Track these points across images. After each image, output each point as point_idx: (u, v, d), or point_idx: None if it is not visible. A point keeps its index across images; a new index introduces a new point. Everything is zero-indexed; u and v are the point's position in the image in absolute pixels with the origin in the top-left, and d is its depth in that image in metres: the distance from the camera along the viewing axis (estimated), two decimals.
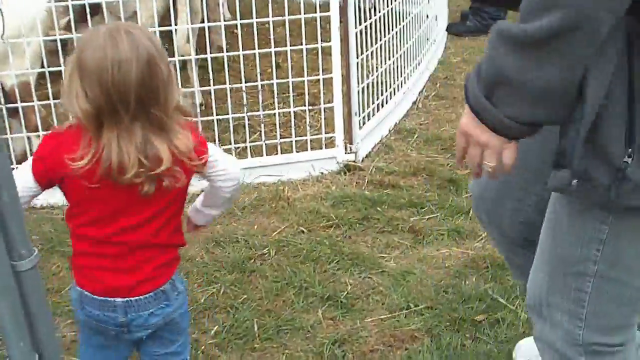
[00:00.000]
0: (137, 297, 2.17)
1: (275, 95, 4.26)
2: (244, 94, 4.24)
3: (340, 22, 4.09)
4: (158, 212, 2.15)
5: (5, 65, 3.90)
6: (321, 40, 4.15)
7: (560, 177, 1.61)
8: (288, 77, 4.18)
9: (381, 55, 4.67)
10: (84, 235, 2.16)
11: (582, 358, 1.85)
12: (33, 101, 3.94)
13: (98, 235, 2.14)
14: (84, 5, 3.96)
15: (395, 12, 4.82)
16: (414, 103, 5.17)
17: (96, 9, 4.20)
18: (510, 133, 1.58)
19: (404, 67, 5.03)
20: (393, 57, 4.80)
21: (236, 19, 4.08)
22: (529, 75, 1.48)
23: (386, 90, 4.75)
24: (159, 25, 4.54)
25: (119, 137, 2.00)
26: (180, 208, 2.22)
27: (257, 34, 4.08)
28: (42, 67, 3.97)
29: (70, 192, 2.13)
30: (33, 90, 3.95)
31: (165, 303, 2.21)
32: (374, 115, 4.58)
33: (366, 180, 4.17)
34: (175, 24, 4.36)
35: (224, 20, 4.99)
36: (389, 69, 4.78)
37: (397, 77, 4.91)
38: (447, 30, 6.42)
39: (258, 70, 4.16)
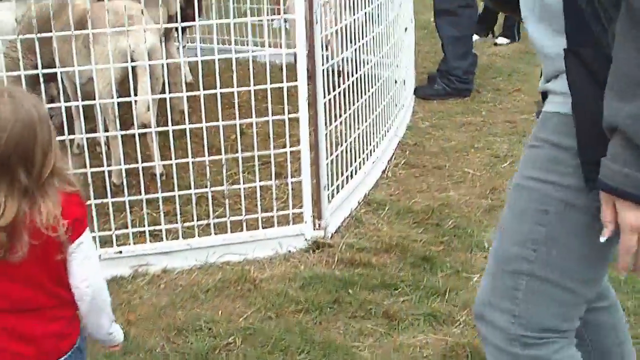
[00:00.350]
0: None
1: (240, 167, 4.04)
2: (207, 168, 4.01)
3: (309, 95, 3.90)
4: (34, 285, 2.15)
5: None
6: (288, 110, 3.97)
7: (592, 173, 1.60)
8: (253, 147, 3.99)
9: (350, 124, 4.50)
10: None
11: (516, 349, 1.92)
12: None
13: None
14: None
15: (364, 78, 4.66)
16: (384, 172, 5.00)
17: (50, 75, 4.01)
18: None
19: (373, 134, 4.86)
20: (362, 125, 4.63)
21: (198, 80, 3.91)
22: None
23: (355, 160, 4.57)
24: (117, 91, 4.37)
25: None
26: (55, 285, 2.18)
27: (221, 97, 3.89)
28: None
29: None
30: None
31: None
32: (342, 187, 4.40)
33: (336, 259, 3.95)
34: (135, 91, 4.14)
35: (186, 82, 4.81)
36: (358, 138, 4.61)
37: (367, 146, 4.74)
38: (414, 93, 6.30)
39: (222, 142, 3.95)
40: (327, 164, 4.13)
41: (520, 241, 1.85)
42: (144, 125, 4.21)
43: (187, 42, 7.21)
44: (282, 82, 3.93)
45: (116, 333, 2.39)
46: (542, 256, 1.81)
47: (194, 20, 6.47)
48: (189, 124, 3.94)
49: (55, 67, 3.93)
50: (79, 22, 4.34)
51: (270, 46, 3.94)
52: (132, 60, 4.23)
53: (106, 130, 4.88)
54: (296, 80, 3.90)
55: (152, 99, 4.21)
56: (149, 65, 4.19)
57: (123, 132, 4.05)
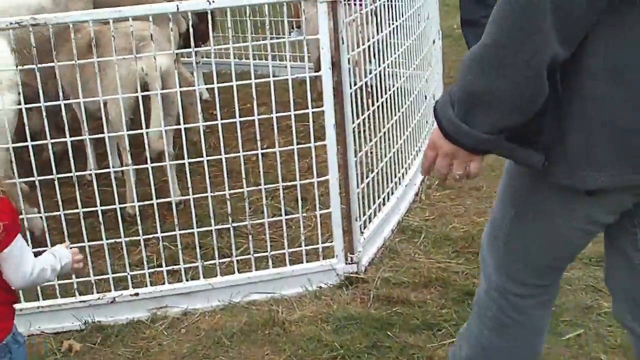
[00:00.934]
0: None
1: (264, 198, 3.73)
2: (228, 202, 3.70)
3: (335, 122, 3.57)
4: None
5: None
6: (314, 135, 3.65)
7: (530, 156, 1.82)
8: (277, 175, 3.68)
9: (380, 147, 4.18)
10: None
11: (500, 300, 2.27)
12: None
13: None
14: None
15: (394, 97, 4.34)
16: (417, 195, 4.66)
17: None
18: (486, 148, 1.78)
19: (405, 156, 4.54)
20: (394, 147, 4.31)
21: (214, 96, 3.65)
22: (493, 86, 1.67)
23: (387, 186, 4.24)
24: (131, 118, 4.09)
25: None
26: None
27: (239, 113, 3.56)
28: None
29: None
30: None
31: (9, 356, 2.33)
32: (375, 215, 4.07)
33: (372, 296, 3.63)
34: (147, 118, 3.83)
35: (201, 100, 4.51)
36: (389, 162, 4.28)
37: (398, 169, 4.42)
38: None
39: (243, 172, 3.64)
40: (358, 193, 3.80)
41: (503, 211, 2.17)
42: (158, 154, 3.92)
43: (202, 57, 6.91)
44: (304, 97, 3.62)
45: (61, 265, 2.52)
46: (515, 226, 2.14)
47: (207, 35, 6.26)
48: (207, 146, 3.68)
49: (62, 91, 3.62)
50: (89, 45, 4.08)
51: (289, 60, 3.59)
52: (145, 84, 3.95)
53: (119, 155, 4.63)
54: (321, 101, 3.58)
55: (165, 125, 3.91)
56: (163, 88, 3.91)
57: (136, 167, 3.76)
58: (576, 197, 1.90)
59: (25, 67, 3.36)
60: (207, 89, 6.15)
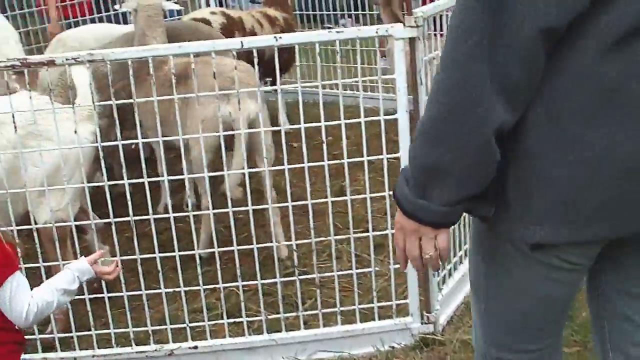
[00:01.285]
0: None
1: (333, 252, 3.44)
2: (295, 254, 3.44)
3: None
4: None
5: (41, 198, 3.39)
6: (388, 184, 3.35)
7: (480, 208, 1.74)
8: (348, 222, 3.40)
9: None
10: None
11: None
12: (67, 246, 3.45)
13: None
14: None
15: None
16: None
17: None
18: (447, 220, 1.71)
19: None
20: None
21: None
22: (443, 160, 1.62)
23: (468, 238, 3.88)
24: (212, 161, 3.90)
25: None
26: None
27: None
28: None
29: None
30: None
31: None
32: (455, 269, 3.73)
33: None
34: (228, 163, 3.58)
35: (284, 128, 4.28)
36: None
37: None
38: None
39: (312, 223, 3.37)
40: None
41: (475, 268, 1.98)
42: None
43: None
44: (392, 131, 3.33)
45: (83, 276, 2.54)
46: (490, 284, 1.93)
47: (289, 64, 6.03)
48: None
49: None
50: (179, 77, 3.92)
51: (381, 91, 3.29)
52: (230, 128, 3.72)
53: (196, 192, 4.42)
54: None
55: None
56: (250, 134, 3.68)
57: (215, 211, 3.51)
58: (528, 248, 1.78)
59: (103, 102, 3.30)
60: (290, 123, 5.92)
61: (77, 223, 3.48)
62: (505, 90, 1.55)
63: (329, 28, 6.89)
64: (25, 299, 2.39)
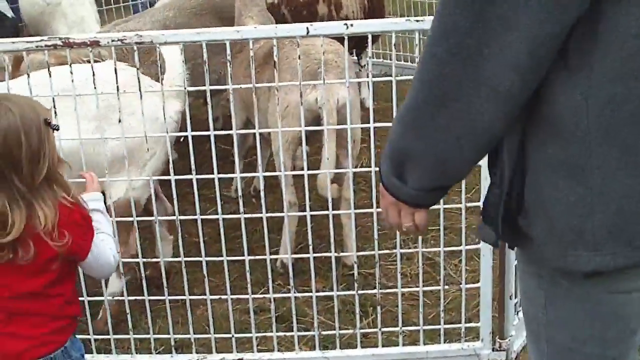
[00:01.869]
0: None
1: (399, 264, 3.08)
2: (355, 266, 3.08)
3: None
4: (33, 283, 2.24)
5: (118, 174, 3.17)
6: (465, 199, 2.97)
7: (487, 233, 1.69)
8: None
9: None
10: None
11: None
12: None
13: None
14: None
15: None
16: None
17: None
18: (421, 203, 1.70)
19: None
20: None
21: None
22: (412, 146, 1.62)
23: None
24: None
25: None
26: (63, 281, 2.29)
27: None
28: None
29: None
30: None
31: None
32: None
33: None
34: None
35: (362, 108, 3.93)
36: None
37: None
38: None
39: (376, 233, 3.01)
40: (516, 265, 3.08)
41: (531, 300, 1.77)
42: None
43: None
44: None
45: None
46: (551, 320, 1.71)
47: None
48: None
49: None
50: (265, 58, 3.61)
51: None
52: (316, 118, 3.39)
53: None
54: None
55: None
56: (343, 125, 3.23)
57: (270, 215, 3.15)
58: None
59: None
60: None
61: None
62: (495, 97, 1.49)
63: None
64: (107, 247, 2.38)
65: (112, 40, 2.78)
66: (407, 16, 5.98)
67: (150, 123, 3.03)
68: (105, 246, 2.37)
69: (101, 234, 2.40)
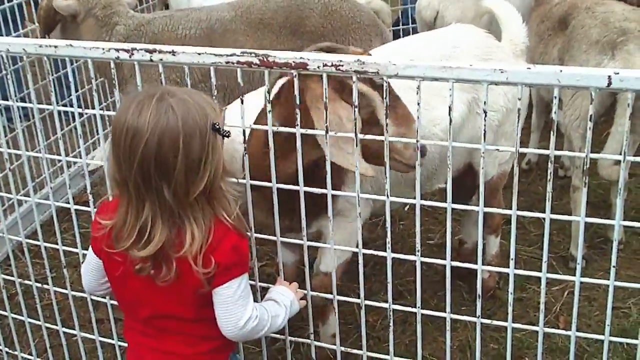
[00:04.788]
0: None
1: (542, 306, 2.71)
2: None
3: None
4: (179, 304, 2.12)
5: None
6: None
7: None
8: None
9: None
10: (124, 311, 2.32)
11: None
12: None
13: (131, 315, 2.25)
14: None
15: None
16: None
17: None
18: None
19: None
20: None
21: None
22: None
23: None
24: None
25: (128, 207, 1.99)
26: (211, 304, 2.13)
27: None
28: None
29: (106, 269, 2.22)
30: None
31: None
32: None
33: None
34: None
35: None
36: None
37: None
38: None
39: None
40: None
41: None
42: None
43: None
44: None
45: (292, 306, 2.34)
46: None
47: None
48: None
49: None
50: (560, 20, 3.40)
51: None
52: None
53: None
54: None
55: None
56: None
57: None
58: None
59: None
60: None
61: None
62: None
63: None
64: (249, 306, 2.16)
65: (324, 65, 2.17)
66: None
67: None
68: (248, 302, 2.16)
69: (259, 305, 2.25)
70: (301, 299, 2.47)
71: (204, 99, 2.06)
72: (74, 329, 3.13)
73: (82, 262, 2.43)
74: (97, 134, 4.94)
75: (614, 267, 2.26)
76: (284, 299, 2.33)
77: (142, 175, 1.91)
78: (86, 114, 2.80)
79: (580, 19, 3.16)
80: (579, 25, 3.19)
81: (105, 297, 2.79)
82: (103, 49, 2.41)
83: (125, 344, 2.42)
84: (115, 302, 2.65)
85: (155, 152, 1.89)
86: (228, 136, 2.05)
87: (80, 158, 2.68)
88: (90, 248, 2.27)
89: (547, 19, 3.34)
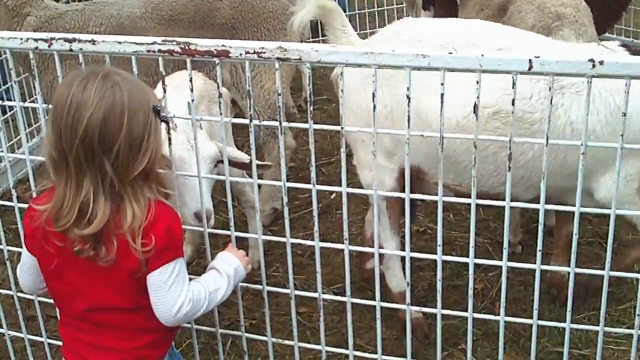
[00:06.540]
0: None
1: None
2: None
3: None
4: (116, 293, 2.12)
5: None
6: None
7: None
8: None
9: None
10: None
11: None
12: None
13: (66, 310, 2.23)
14: None
15: None
16: None
17: None
18: None
19: None
20: None
21: None
22: None
23: None
24: None
25: (67, 184, 1.98)
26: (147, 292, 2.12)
27: None
28: None
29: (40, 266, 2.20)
30: None
31: None
32: None
33: None
34: None
35: None
36: None
37: None
38: None
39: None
40: None
41: None
42: None
43: None
44: None
45: (237, 273, 2.32)
46: None
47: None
48: None
49: None
50: (500, 7, 3.37)
51: None
52: None
53: None
54: None
55: None
56: None
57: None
58: None
59: None
60: None
61: None
62: None
63: None
64: (183, 291, 2.15)
65: (246, 52, 2.19)
66: None
67: None
68: (182, 288, 2.15)
69: (196, 282, 2.23)
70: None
71: (144, 84, 2.11)
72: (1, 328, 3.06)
73: (7, 259, 2.38)
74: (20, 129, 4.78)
75: (539, 251, 2.30)
76: (227, 267, 2.32)
77: (84, 149, 1.92)
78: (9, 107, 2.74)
79: (518, 5, 3.17)
80: (517, 11, 3.20)
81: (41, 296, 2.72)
82: (21, 39, 2.38)
83: (57, 342, 2.38)
84: (45, 300, 2.60)
85: (100, 126, 1.91)
86: (167, 122, 2.11)
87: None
88: (24, 247, 2.27)
89: (487, 7, 3.34)
